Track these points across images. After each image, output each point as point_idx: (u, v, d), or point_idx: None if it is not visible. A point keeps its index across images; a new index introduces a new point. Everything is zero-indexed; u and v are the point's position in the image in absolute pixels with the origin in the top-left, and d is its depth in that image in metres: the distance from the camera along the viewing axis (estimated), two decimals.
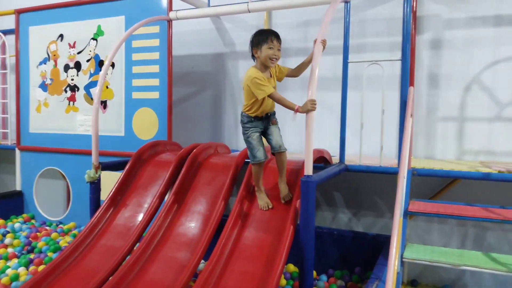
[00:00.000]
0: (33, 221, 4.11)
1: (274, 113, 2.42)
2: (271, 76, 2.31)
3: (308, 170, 2.14)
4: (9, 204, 4.15)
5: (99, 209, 2.65)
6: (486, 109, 3.15)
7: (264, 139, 2.42)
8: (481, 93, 3.16)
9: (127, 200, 2.75)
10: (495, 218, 2.21)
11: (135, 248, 2.35)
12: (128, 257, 2.28)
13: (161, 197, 2.68)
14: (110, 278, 2.11)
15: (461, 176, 2.68)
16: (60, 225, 3.93)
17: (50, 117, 4.12)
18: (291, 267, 2.93)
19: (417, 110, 3.33)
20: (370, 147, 3.11)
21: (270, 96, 2.22)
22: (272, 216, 2.35)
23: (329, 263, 2.98)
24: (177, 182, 2.67)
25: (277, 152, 2.36)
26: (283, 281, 2.75)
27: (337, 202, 3.63)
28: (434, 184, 3.21)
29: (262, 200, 2.42)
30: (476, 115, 3.18)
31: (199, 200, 2.61)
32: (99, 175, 2.78)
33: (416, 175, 2.72)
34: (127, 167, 2.90)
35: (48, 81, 4.13)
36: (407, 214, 2.39)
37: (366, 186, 3.44)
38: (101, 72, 2.94)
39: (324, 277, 2.81)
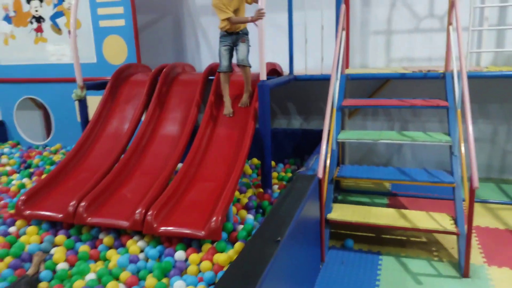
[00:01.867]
0: (19, 146, 4.50)
1: (245, 33, 2.88)
2: None
3: (263, 76, 2.72)
4: None
5: (91, 122, 3.14)
6: (407, 22, 3.78)
7: None
8: (403, 9, 3.77)
9: (114, 113, 3.24)
10: (403, 105, 2.94)
11: (127, 147, 2.91)
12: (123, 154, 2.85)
13: (142, 109, 3.19)
14: (114, 168, 2.69)
15: (383, 77, 3.37)
16: (47, 148, 4.37)
17: (19, 49, 4.35)
18: (255, 160, 3.61)
19: (353, 26, 3.91)
20: (314, 62, 3.68)
21: (228, 20, 2.72)
22: (238, 117, 2.96)
23: (284, 154, 3.70)
24: (154, 96, 3.18)
25: (240, 66, 2.89)
26: (249, 170, 3.43)
27: (290, 111, 4.28)
28: (368, 88, 3.90)
29: (227, 109, 2.99)
30: (400, 28, 3.81)
31: (175, 109, 3.16)
32: (85, 94, 3.22)
33: (350, 79, 3.37)
34: (107, 86, 3.35)
35: (11, 14, 4.29)
36: (341, 108, 3.06)
37: (313, 94, 4.09)
38: (74, 2, 3.24)
39: (281, 165, 3.53)
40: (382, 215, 2.59)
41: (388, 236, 2.78)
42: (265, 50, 2.65)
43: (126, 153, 2.81)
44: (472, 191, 2.14)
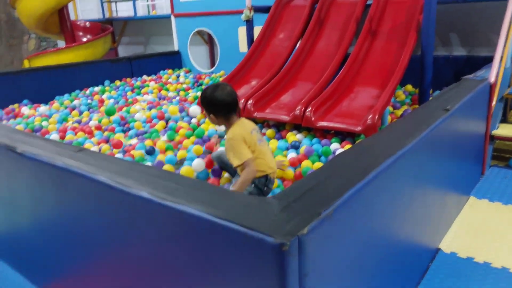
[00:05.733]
0: (191, 72, 5.21)
1: None
2: None
3: None
4: (171, 60, 5.29)
5: (256, 39, 3.47)
6: None
7: None
8: None
9: (276, 32, 3.51)
10: None
11: (288, 60, 3.16)
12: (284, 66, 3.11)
13: (302, 28, 3.37)
14: (277, 75, 2.97)
15: None
16: (213, 74, 4.96)
17: None
18: (409, 87, 3.52)
19: None
20: None
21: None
22: (398, 30, 2.92)
23: (444, 82, 3.48)
24: (314, 14, 3.32)
25: None
26: (403, 96, 3.37)
27: (452, 43, 3.97)
28: None
29: None
30: None
31: (333, 27, 3.26)
32: (252, 15, 3.54)
33: None
34: (271, 9, 3.62)
35: None
36: None
37: (481, 24, 3.70)
38: None
39: (438, 92, 3.37)
40: None
41: None
42: None
43: (288, 64, 3.05)
44: None
